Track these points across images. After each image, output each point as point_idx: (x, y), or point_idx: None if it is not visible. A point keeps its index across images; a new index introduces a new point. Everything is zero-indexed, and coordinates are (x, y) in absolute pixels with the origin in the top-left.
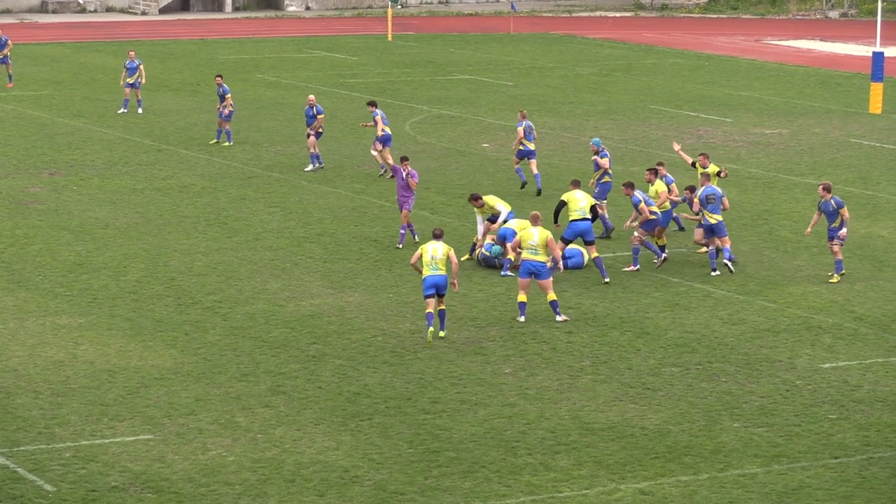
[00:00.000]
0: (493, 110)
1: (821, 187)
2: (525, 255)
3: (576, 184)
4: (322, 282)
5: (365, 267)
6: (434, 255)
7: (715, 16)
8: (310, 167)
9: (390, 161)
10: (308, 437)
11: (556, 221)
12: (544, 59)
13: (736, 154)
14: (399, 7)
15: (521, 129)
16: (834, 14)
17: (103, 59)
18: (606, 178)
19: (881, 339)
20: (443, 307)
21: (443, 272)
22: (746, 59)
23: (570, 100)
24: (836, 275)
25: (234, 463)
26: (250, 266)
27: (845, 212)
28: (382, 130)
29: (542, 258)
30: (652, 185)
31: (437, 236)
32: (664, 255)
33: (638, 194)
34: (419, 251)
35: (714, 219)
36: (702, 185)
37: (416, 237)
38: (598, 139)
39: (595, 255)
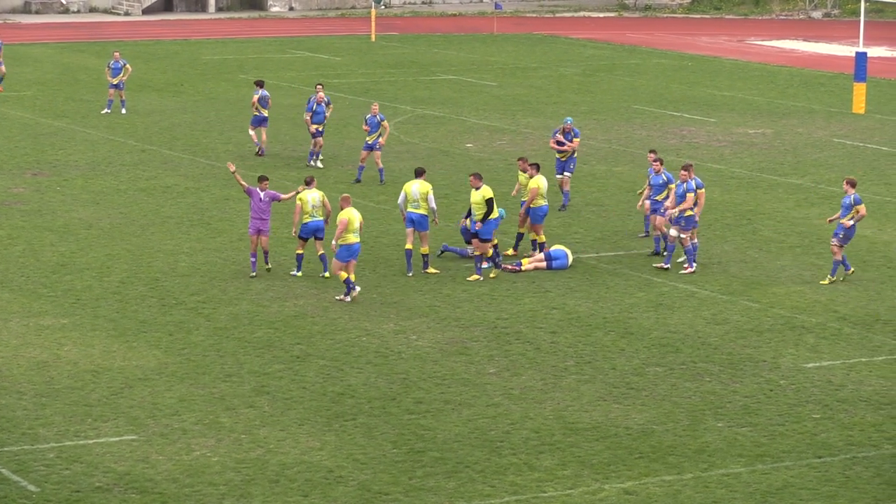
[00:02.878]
0: (477, 110)
1: (845, 181)
2: (350, 238)
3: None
4: (306, 282)
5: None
6: (314, 203)
7: (698, 16)
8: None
9: (264, 138)
10: (292, 437)
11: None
12: (528, 60)
13: (719, 154)
14: (382, 7)
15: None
16: (817, 14)
17: (86, 60)
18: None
19: (864, 339)
20: (323, 251)
21: (321, 217)
22: (730, 59)
23: (554, 100)
24: (829, 276)
25: (218, 463)
26: (234, 267)
27: (861, 209)
28: (258, 111)
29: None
30: (532, 178)
31: (310, 183)
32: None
33: (693, 182)
34: (299, 203)
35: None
36: (692, 178)
37: (268, 264)
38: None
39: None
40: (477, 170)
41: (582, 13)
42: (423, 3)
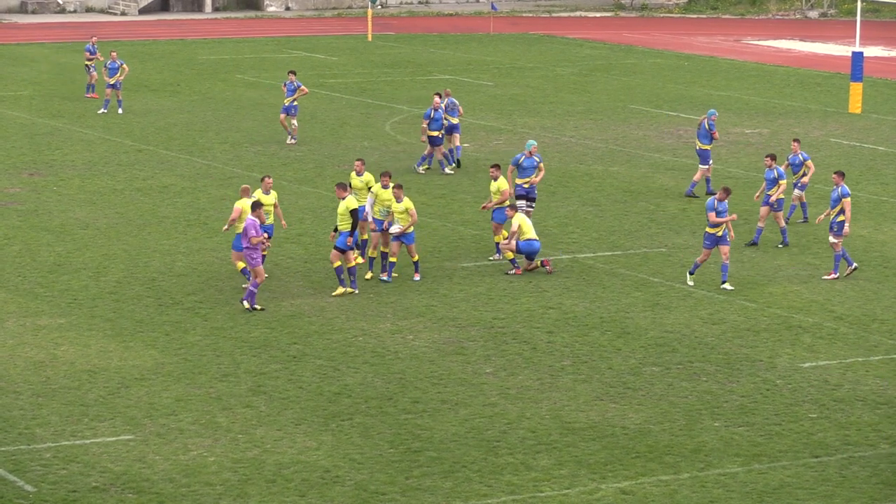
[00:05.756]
0: (473, 110)
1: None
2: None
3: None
4: (302, 282)
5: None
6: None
7: (695, 16)
8: (421, 170)
9: (294, 124)
10: (289, 437)
11: None
12: (524, 59)
13: (716, 154)
14: (379, 7)
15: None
16: (813, 14)
17: (83, 60)
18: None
19: (861, 339)
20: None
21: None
22: (726, 59)
23: (551, 100)
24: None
25: (214, 463)
26: (230, 266)
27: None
28: (292, 102)
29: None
30: (495, 181)
31: (246, 190)
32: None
33: (840, 189)
34: (241, 207)
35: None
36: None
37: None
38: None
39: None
40: (473, 170)
41: (578, 13)
42: (420, 2)
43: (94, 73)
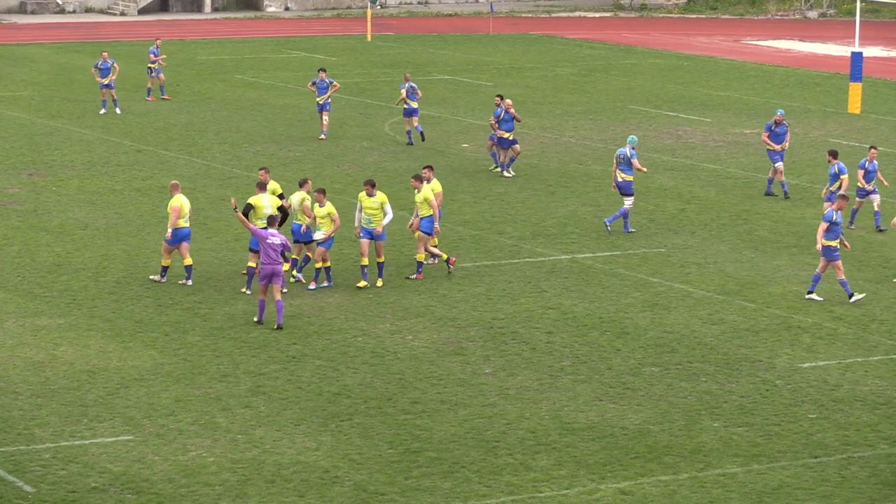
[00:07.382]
0: (473, 110)
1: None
2: (180, 223)
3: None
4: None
5: (344, 267)
6: (188, 210)
7: (694, 16)
8: (508, 173)
9: (325, 120)
10: (288, 437)
11: None
12: (523, 60)
13: (715, 154)
14: (378, 8)
15: (404, 91)
16: (813, 14)
17: (82, 60)
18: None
19: (860, 339)
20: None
21: (189, 226)
22: (725, 59)
23: (550, 100)
24: None
25: (214, 464)
26: (230, 267)
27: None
28: (327, 99)
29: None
30: (419, 191)
31: (176, 186)
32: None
33: None
34: (178, 205)
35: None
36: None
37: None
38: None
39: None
40: (473, 170)
41: (577, 13)
42: (419, 3)
43: (162, 76)
